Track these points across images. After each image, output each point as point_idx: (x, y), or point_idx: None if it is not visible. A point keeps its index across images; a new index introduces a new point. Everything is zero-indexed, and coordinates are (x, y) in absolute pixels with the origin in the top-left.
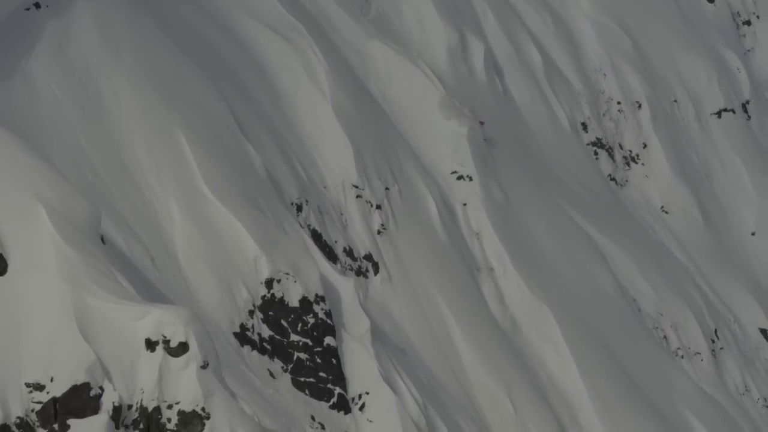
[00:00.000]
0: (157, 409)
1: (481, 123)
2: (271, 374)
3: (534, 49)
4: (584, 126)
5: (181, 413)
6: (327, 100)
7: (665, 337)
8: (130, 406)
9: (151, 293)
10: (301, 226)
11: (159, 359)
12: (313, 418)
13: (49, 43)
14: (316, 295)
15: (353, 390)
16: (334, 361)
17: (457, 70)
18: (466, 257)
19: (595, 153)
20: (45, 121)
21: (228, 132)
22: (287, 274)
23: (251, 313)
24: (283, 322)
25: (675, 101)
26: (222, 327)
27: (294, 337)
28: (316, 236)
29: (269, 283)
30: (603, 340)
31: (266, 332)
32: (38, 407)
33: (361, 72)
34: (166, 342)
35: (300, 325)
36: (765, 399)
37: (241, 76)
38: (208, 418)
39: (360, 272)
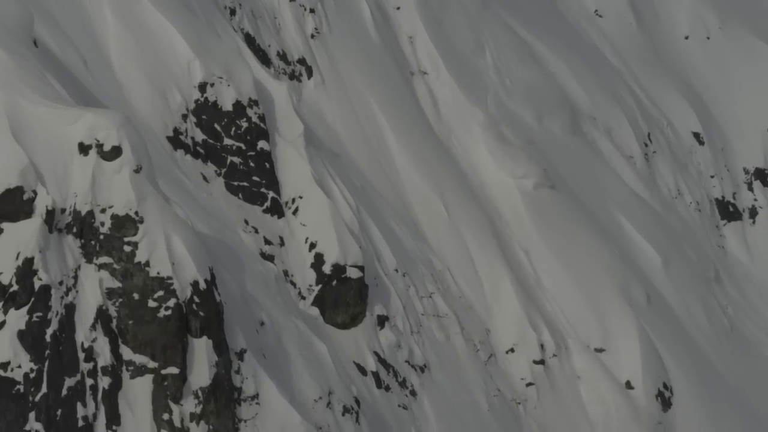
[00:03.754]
0: (91, 213)
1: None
2: (205, 178)
3: None
4: None
5: (114, 217)
6: None
7: (598, 140)
8: (63, 210)
9: (84, 97)
10: (234, 29)
11: (92, 163)
12: (246, 221)
13: None
14: (250, 99)
15: (286, 194)
16: (267, 165)
17: None
18: (400, 61)
19: None
20: None
21: None
22: (220, 78)
23: (184, 117)
24: (216, 126)
25: None
26: (155, 131)
27: (227, 141)
28: (250, 40)
29: (202, 87)
30: (535, 148)
31: (199, 136)
32: None
33: None
34: (99, 146)
35: (233, 129)
36: (697, 203)
37: None
38: (141, 221)
39: (293, 76)
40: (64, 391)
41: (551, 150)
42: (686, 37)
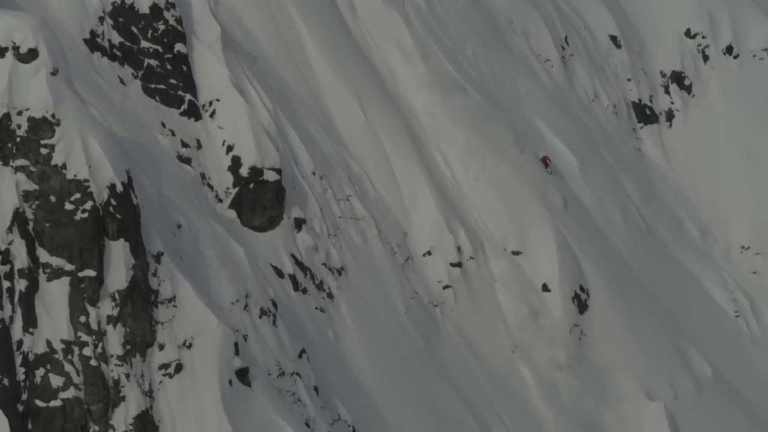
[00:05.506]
0: (7, 116)
1: (546, 159)
2: (122, 81)
3: None
4: None
5: (31, 119)
6: None
7: (515, 44)
8: None
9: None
10: None
11: (8, 66)
12: (163, 124)
13: None
14: (167, 2)
15: (204, 97)
16: (184, 68)
17: None
18: None
19: None
20: None
21: None
22: None
23: (101, 19)
24: (133, 28)
25: None
26: (72, 34)
27: (144, 44)
28: None
29: None
30: (451, 52)
31: (116, 39)
32: None
33: None
34: (16, 48)
35: (150, 31)
36: (614, 106)
37: None
38: (58, 124)
39: None
40: None
41: (465, 52)
42: None
